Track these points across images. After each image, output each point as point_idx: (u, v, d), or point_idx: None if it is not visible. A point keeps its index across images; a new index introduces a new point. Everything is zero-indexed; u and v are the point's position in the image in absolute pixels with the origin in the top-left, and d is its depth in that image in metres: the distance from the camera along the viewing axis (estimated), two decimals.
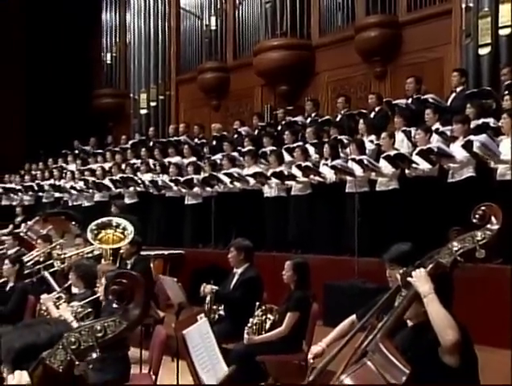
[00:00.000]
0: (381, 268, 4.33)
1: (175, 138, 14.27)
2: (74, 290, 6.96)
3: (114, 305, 2.34)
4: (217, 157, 12.05)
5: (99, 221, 8.90)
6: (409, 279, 3.13)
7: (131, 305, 2.29)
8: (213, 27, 15.34)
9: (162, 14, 17.00)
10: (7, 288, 8.72)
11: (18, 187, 16.48)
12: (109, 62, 18.96)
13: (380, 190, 9.07)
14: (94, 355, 6.03)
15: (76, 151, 16.61)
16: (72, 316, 6.21)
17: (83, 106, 18.28)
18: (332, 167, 9.34)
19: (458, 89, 9.57)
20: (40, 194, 15.72)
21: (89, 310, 6.51)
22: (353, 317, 4.43)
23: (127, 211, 10.92)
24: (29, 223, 13.30)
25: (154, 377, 5.96)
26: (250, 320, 6.09)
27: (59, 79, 18.35)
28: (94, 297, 6.41)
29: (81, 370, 2.24)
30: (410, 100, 10.04)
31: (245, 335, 5.99)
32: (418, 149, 8.53)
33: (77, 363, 2.22)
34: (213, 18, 15.35)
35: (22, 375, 2.20)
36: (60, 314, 6.28)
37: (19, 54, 19.16)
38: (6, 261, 9.05)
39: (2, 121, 18.48)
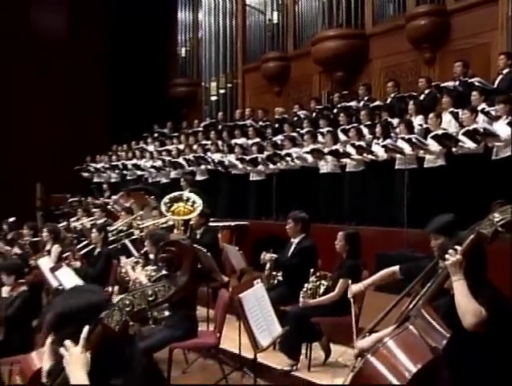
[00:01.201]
0: (428, 238, 4.14)
1: (242, 122, 14.27)
2: (150, 256, 6.96)
3: (164, 272, 2.23)
4: (279, 138, 11.96)
5: (171, 195, 8.88)
6: (444, 262, 2.95)
7: (179, 272, 2.18)
8: (275, 21, 15.25)
9: (230, 12, 17.04)
10: (95, 253, 8.88)
11: (107, 166, 16.78)
12: (183, 55, 19.08)
13: (428, 167, 8.79)
14: (166, 313, 5.99)
15: (155, 134, 16.74)
16: (146, 278, 6.18)
17: (161, 94, 18.45)
18: (384, 146, 9.16)
19: (504, 71, 9.14)
20: (124, 172, 15.95)
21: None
22: (396, 267, 4.22)
23: (195, 186, 10.90)
24: (115, 197, 13.50)
25: (218, 335, 5.91)
26: (305, 285, 5.99)
27: (141, 71, 18.56)
28: None
29: (135, 330, 2.14)
30: (457, 83, 9.66)
31: (301, 299, 5.91)
32: (464, 129, 8.23)
33: (131, 323, 2.12)
34: (275, 13, 15.25)
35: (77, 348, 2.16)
36: (136, 276, 6.27)
37: (106, 49, 19.42)
38: (94, 230, 9.22)
39: (92, 109, 18.87)
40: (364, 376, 2.74)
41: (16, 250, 10.39)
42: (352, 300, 4.25)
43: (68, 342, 2.18)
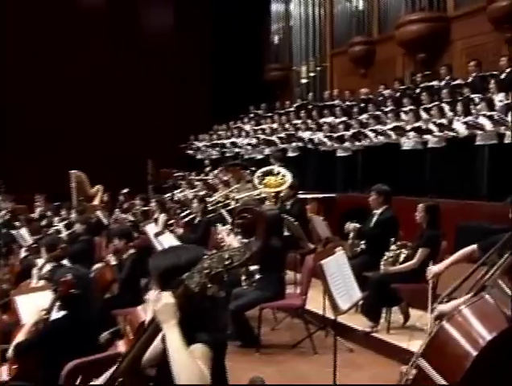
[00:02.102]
0: (508, 210, 3.83)
1: (330, 102, 14.03)
2: None
3: (239, 237, 2.11)
4: (364, 116, 11.62)
5: (263, 169, 8.86)
6: None
7: (254, 238, 2.06)
8: (361, 8, 14.87)
9: (318, 2, 16.75)
10: (196, 221, 8.97)
11: (208, 144, 16.96)
12: (276, 43, 18.90)
13: (508, 143, 8.25)
14: (257, 276, 5.90)
15: (251, 115, 16.74)
16: (238, 244, 6.15)
17: (256, 78, 18.39)
18: (465, 123, 8.70)
19: None
20: (224, 149, 16.02)
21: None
22: (474, 246, 3.95)
23: (283, 162, 10.77)
24: (214, 172, 13.61)
25: (304, 297, 5.82)
26: (386, 253, 5.82)
27: (239, 58, 18.55)
28: None
29: (213, 291, 2.04)
30: None
31: (382, 266, 5.76)
32: None
33: (209, 285, 2.03)
34: (361, 1, 14.85)
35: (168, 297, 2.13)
36: (230, 242, 6.24)
37: (208, 40, 19.57)
38: (195, 201, 9.30)
39: (196, 93, 19.10)
40: (439, 341, 2.56)
41: (130, 217, 10.68)
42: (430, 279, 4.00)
43: (161, 293, 2.15)
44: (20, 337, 3.69)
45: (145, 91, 18.55)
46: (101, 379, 2.54)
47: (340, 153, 11.64)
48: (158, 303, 2.12)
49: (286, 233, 7.62)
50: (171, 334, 2.09)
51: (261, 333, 5.92)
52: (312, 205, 10.34)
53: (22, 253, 8.05)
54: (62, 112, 17.48)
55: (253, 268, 6.22)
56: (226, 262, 2.03)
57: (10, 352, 3.68)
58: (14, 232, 9.18)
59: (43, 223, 10.81)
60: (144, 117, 18.56)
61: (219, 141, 16.38)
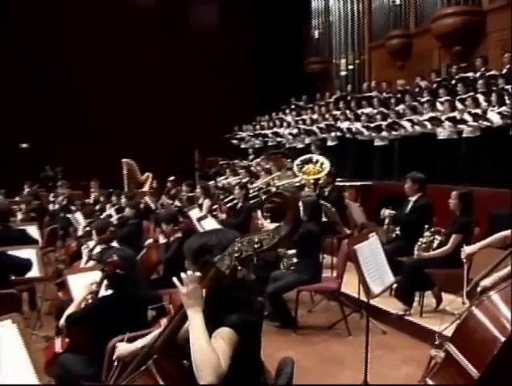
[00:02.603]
0: None
1: (368, 93, 13.80)
2: None
3: (267, 221, 2.05)
4: (401, 107, 11.36)
5: (303, 157, 8.77)
6: None
7: (283, 223, 1.99)
8: (398, 2, 14.58)
9: None
10: (238, 207, 8.93)
11: (251, 134, 16.93)
12: (316, 37, 18.69)
13: None
14: (295, 260, 5.81)
15: (292, 106, 16.62)
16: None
17: (297, 71, 18.24)
18: (499, 113, 8.40)
19: None
20: (266, 139, 15.95)
21: None
22: (508, 231, 3.79)
23: (324, 150, 10.65)
24: (257, 160, 13.56)
25: (339, 280, 5.74)
26: (420, 239, 5.67)
27: (281, 52, 18.43)
28: None
29: (243, 274, 1.99)
30: None
31: (416, 252, 5.61)
32: None
33: (239, 268, 1.98)
34: None
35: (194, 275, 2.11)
36: (268, 227, 6.20)
37: (252, 35, 19.50)
38: (237, 187, 9.27)
39: (240, 86, 19.07)
40: (467, 326, 2.45)
41: (176, 203, 10.74)
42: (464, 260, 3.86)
43: (184, 275, 2.13)
44: (71, 309, 3.76)
45: (193, 85, 18.68)
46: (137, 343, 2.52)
47: (377, 143, 11.43)
48: (187, 287, 2.10)
49: (323, 219, 7.55)
50: (194, 320, 2.06)
51: (298, 315, 5.87)
52: (350, 192, 10.21)
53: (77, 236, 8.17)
54: (116, 106, 17.73)
55: (291, 252, 6.17)
56: (256, 246, 1.98)
57: (61, 322, 3.76)
58: (69, 216, 9.34)
59: (97, 207, 10.96)
60: (192, 109, 18.73)
61: (262, 131, 16.36)
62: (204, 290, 2.08)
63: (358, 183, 10.81)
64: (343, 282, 5.77)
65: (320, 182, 8.45)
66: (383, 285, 3.89)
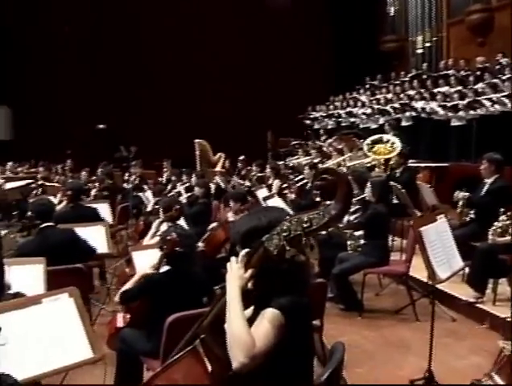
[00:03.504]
0: None
1: (445, 72, 13.18)
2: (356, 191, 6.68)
3: (317, 199, 1.92)
4: (480, 85, 10.79)
5: (373, 137, 8.51)
6: None
7: (333, 201, 1.85)
8: None
9: None
10: (307, 187, 8.81)
11: (324, 115, 16.70)
12: (392, 14, 18.05)
13: None
14: (362, 241, 5.62)
15: (367, 85, 16.21)
16: None
17: (372, 50, 17.72)
18: None
19: None
20: (339, 119, 15.69)
21: (358, 207, 6.17)
22: None
23: (398, 130, 10.30)
24: (329, 140, 13.37)
25: (408, 264, 5.52)
26: (495, 223, 5.32)
27: (356, 31, 17.96)
28: (362, 196, 6.05)
29: (292, 255, 1.87)
30: None
31: (490, 236, 5.27)
32: None
33: (288, 248, 1.86)
34: None
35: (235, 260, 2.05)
36: None
37: (327, 14, 19.15)
38: (307, 167, 9.15)
39: (314, 66, 18.80)
40: None
41: (247, 183, 10.73)
42: None
43: (232, 258, 2.05)
44: (127, 286, 3.78)
45: (268, 65, 18.58)
46: None
47: (454, 123, 10.94)
48: (231, 265, 2.03)
49: (395, 201, 7.30)
50: (231, 299, 1.98)
51: (364, 298, 5.71)
52: (424, 173, 9.83)
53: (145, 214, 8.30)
54: (191, 86, 17.92)
55: (358, 233, 5.99)
56: (305, 225, 1.85)
57: (116, 298, 3.83)
58: (141, 194, 9.51)
59: (169, 187, 11.12)
60: (265, 89, 18.64)
61: (335, 112, 16.13)
62: (250, 271, 1.99)
63: (433, 165, 10.39)
64: (412, 266, 5.55)
65: (391, 162, 8.17)
66: (451, 269, 3.66)
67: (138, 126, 17.30)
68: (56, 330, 2.70)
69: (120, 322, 4.05)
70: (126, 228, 9.16)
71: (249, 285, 2.01)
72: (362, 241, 5.87)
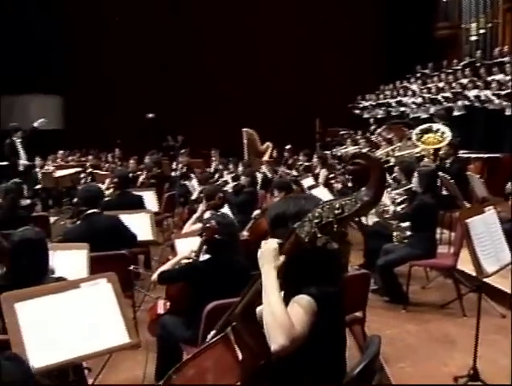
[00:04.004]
0: None
1: (500, 59, 12.69)
2: (403, 182, 6.54)
3: (349, 185, 1.86)
4: None
5: (422, 127, 8.30)
6: None
7: (366, 187, 1.78)
8: None
9: None
10: None
11: (374, 104, 16.43)
12: (445, 0, 17.47)
13: None
14: (408, 233, 5.48)
15: (418, 74, 15.83)
16: (389, 201, 5.81)
17: (425, 37, 17.23)
18: None
19: None
20: (389, 108, 15.41)
21: (404, 197, 6.03)
22: None
23: (447, 120, 9.99)
24: (378, 130, 13.17)
25: (455, 257, 5.35)
26: None
27: (407, 18, 17.49)
28: (409, 186, 5.91)
29: (323, 242, 1.82)
30: None
31: None
32: None
33: (319, 235, 1.80)
34: None
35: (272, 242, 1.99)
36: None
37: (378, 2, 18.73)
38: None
39: (363, 55, 18.51)
40: None
41: (293, 172, 10.68)
42: None
43: (268, 239, 2.02)
44: (165, 267, 3.81)
45: (318, 53, 18.42)
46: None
47: (508, 112, 10.55)
48: (262, 247, 1.99)
49: (444, 192, 7.11)
50: (267, 278, 1.94)
51: (410, 290, 5.57)
52: (476, 165, 9.56)
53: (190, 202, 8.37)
54: (239, 75, 17.93)
55: (404, 224, 5.86)
56: (336, 211, 1.79)
57: (153, 277, 3.84)
58: (187, 183, 9.58)
59: (216, 176, 11.18)
60: (314, 78, 18.49)
61: (385, 101, 15.85)
62: (282, 258, 1.95)
63: (485, 156, 10.08)
64: (461, 259, 5.37)
65: (441, 152, 7.94)
66: (498, 263, 3.52)
67: (187, 116, 17.46)
68: (94, 315, 2.74)
69: (160, 309, 4.08)
70: (173, 216, 9.25)
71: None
72: (408, 233, 5.74)
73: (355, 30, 18.51)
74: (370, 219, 6.97)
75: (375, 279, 5.79)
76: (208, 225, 3.68)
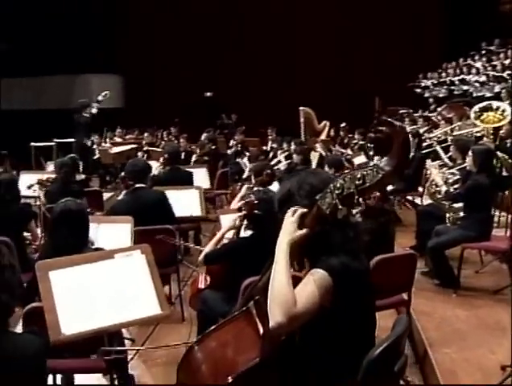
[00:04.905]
0: None
1: None
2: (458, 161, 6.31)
3: (370, 153, 1.76)
4: None
5: (481, 105, 7.95)
6: None
7: (388, 156, 1.69)
8: None
9: None
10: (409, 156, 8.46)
11: (436, 82, 15.94)
12: None
13: None
14: (461, 214, 5.29)
15: (482, 51, 15.18)
16: (441, 180, 5.62)
17: (490, 12, 16.45)
18: None
19: None
20: (451, 87, 14.90)
21: (458, 177, 5.79)
22: None
23: None
24: (439, 109, 12.79)
25: (511, 241, 5.11)
26: None
27: None
28: (463, 166, 5.68)
29: (343, 214, 1.74)
30: None
31: None
32: None
33: (340, 207, 1.72)
34: None
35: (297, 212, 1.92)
36: (433, 177, 5.74)
37: None
38: (410, 135, 8.80)
39: (425, 31, 17.95)
40: None
41: (348, 151, 10.53)
42: None
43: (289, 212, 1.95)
44: (209, 246, 3.81)
45: (376, 29, 17.96)
46: None
47: None
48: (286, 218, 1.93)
49: (504, 173, 6.81)
50: (278, 251, 1.90)
51: (462, 274, 5.34)
52: None
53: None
54: (298, 54, 17.77)
55: (457, 205, 5.65)
56: (357, 182, 1.70)
57: (199, 259, 3.87)
58: (239, 160, 9.60)
59: (271, 154, 11.17)
60: (374, 55, 18.09)
61: (447, 79, 15.32)
62: (304, 230, 1.88)
63: None
64: None
65: (502, 132, 7.59)
66: None
67: (244, 94, 17.43)
68: (126, 285, 2.76)
69: (201, 284, 4.11)
70: (226, 194, 9.30)
71: None
72: (462, 214, 5.52)
73: (418, 6, 17.91)
74: (426, 200, 6.78)
75: (426, 261, 5.63)
76: (247, 200, 3.66)
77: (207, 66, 17.91)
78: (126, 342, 4.47)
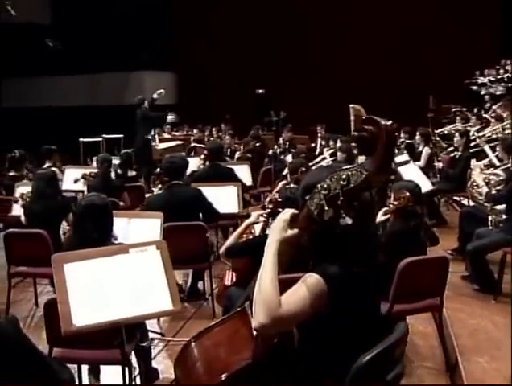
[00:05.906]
0: None
1: None
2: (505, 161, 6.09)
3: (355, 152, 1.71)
4: None
5: None
6: None
7: (371, 156, 1.62)
8: None
9: None
10: (457, 156, 8.22)
11: (493, 79, 15.39)
12: None
13: None
14: (504, 216, 5.07)
15: None
16: (482, 181, 5.42)
17: None
18: None
19: None
20: (510, 84, 14.33)
21: (501, 178, 5.57)
22: None
23: None
24: (493, 107, 12.37)
25: None
26: None
27: None
28: (507, 166, 5.46)
29: (330, 216, 1.68)
30: None
31: None
32: None
33: (326, 208, 1.67)
34: None
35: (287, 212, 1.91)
36: (475, 178, 5.55)
37: None
38: (457, 134, 8.58)
39: (483, 26, 17.32)
40: None
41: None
42: None
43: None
44: (231, 239, 3.81)
45: (430, 24, 17.51)
46: None
47: None
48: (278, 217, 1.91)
49: None
50: (267, 250, 1.87)
51: (504, 280, 5.11)
52: None
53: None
54: (346, 48, 17.55)
55: (499, 207, 5.43)
56: (342, 183, 1.63)
57: (221, 251, 3.87)
58: (283, 157, 9.58)
59: (317, 152, 11.09)
60: (428, 51, 17.61)
61: (505, 76, 14.76)
62: (295, 231, 1.84)
63: None
64: None
65: None
66: None
67: (295, 91, 17.35)
68: (140, 280, 2.78)
69: (228, 281, 4.12)
70: (270, 191, 9.29)
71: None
72: (504, 216, 5.31)
73: (476, 2, 17.34)
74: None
75: (466, 265, 5.44)
76: (271, 198, 3.64)
77: (259, 63, 17.92)
78: (155, 335, 4.55)
